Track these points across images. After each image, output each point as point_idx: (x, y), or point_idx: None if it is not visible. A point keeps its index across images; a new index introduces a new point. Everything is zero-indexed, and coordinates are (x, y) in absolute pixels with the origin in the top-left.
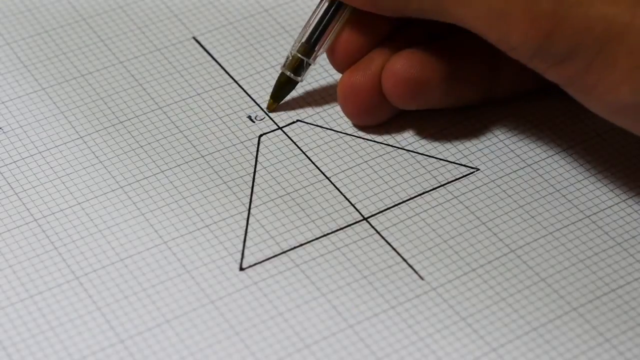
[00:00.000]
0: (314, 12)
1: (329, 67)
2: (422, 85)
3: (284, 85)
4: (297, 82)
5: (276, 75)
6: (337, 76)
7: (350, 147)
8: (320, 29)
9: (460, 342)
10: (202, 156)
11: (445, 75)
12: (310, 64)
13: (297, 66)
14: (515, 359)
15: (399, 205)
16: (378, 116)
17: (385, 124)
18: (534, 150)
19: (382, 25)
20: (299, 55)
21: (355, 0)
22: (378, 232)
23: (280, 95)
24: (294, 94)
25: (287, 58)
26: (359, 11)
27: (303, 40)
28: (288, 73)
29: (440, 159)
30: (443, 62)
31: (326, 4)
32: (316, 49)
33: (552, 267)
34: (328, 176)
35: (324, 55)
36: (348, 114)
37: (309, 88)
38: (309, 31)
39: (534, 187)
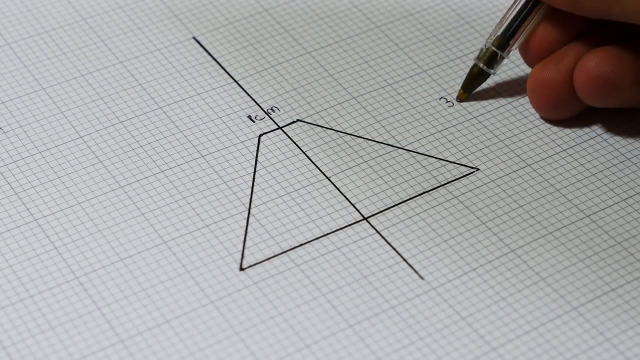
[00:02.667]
0: (510, 7)
1: (329, 66)
2: (615, 84)
3: (476, 76)
4: (489, 75)
5: (276, 75)
6: (338, 76)
7: (350, 147)
8: (516, 24)
9: (461, 341)
10: (202, 156)
11: (638, 75)
12: (503, 58)
13: (490, 59)
14: (515, 359)
15: (399, 205)
16: (566, 111)
17: (385, 124)
18: (534, 150)
19: (578, 22)
20: (494, 48)
21: (555, 1)
22: (378, 232)
23: (472, 86)
24: (294, 93)
25: (481, 50)
26: (555, 8)
27: (499, 34)
28: (481, 65)
29: (440, 159)
30: (637, 62)
31: (523, 0)
32: (511, 43)
33: (552, 267)
34: (328, 176)
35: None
36: (536, 106)
37: (309, 88)
38: (505, 25)
39: (534, 187)
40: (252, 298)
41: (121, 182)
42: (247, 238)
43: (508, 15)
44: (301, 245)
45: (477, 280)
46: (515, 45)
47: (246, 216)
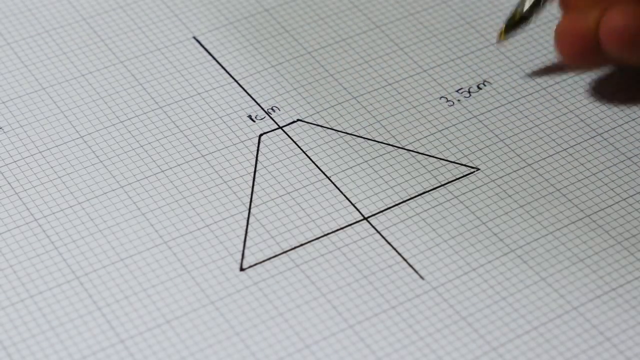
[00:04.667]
0: None
1: (329, 66)
2: (638, 36)
3: (518, 21)
4: (530, 18)
5: (276, 75)
6: (338, 75)
7: (351, 147)
8: None
9: (461, 341)
10: (202, 155)
11: None
12: (545, 4)
13: (535, 4)
14: (515, 358)
15: (399, 205)
16: (591, 62)
17: (385, 124)
18: (534, 150)
19: None
20: None
21: None
22: (378, 232)
23: (514, 28)
24: (294, 93)
25: None
26: None
27: None
28: (526, 8)
29: (441, 159)
30: None
31: None
32: None
33: (552, 267)
34: (328, 176)
35: None
36: (561, 52)
37: (309, 87)
38: None
39: (534, 187)
40: (252, 298)
41: (121, 182)
42: (247, 238)
43: None
44: (301, 245)
45: (477, 280)
46: None
47: (246, 216)
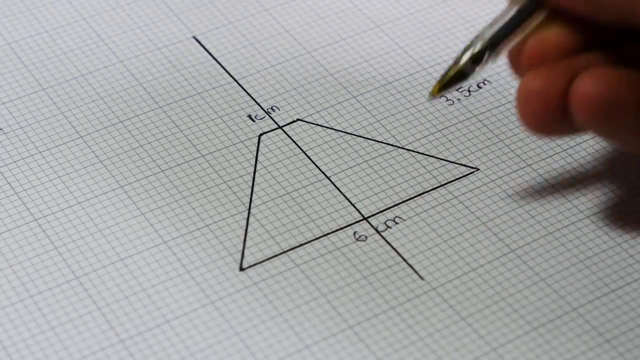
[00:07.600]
0: (506, 11)
1: (329, 65)
2: (614, 106)
3: (456, 75)
4: (468, 75)
5: (276, 75)
6: (338, 75)
7: (351, 146)
8: (510, 27)
9: (460, 341)
10: (202, 155)
11: None
12: (488, 61)
13: (475, 60)
14: (515, 359)
15: (399, 205)
16: (558, 129)
17: (385, 124)
18: (534, 150)
19: (584, 34)
20: (481, 48)
21: (565, 1)
22: (378, 232)
23: (449, 84)
24: (294, 93)
25: (466, 48)
26: (560, 14)
27: (488, 35)
28: (463, 64)
29: (440, 159)
30: None
31: (521, 2)
32: (502, 45)
33: (552, 267)
34: (328, 176)
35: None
36: (525, 118)
37: (309, 87)
38: (498, 27)
39: (533, 187)
40: (252, 298)
41: (121, 182)
42: (247, 238)
43: (502, 17)
44: (301, 245)
45: (477, 280)
46: (506, 49)
47: (246, 216)
